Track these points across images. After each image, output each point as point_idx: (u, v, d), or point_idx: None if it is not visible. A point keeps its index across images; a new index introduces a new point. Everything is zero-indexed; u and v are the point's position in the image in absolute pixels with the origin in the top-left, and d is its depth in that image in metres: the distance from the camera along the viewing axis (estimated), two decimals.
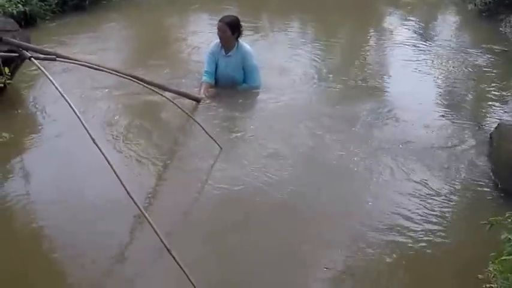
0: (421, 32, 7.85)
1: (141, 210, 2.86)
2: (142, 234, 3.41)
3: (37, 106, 5.03)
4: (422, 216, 3.67)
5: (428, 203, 3.81)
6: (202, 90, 5.36)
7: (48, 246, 3.40)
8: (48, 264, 3.26)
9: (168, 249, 2.71)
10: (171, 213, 3.63)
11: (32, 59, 3.64)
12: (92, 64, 4.21)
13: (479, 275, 2.92)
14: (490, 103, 5.50)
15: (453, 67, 6.36)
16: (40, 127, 4.74)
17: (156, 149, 4.47)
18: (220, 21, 5.34)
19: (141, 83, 4.39)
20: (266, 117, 5.06)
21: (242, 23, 5.43)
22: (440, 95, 5.66)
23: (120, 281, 3.17)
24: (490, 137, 4.58)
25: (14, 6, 6.57)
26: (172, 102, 4.48)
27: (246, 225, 3.60)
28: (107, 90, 5.29)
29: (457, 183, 4.06)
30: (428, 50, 6.96)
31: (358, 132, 4.76)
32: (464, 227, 3.62)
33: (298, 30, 7.98)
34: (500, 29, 7.71)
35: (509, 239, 2.79)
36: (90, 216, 3.64)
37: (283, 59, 6.49)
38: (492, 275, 2.90)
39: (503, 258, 2.79)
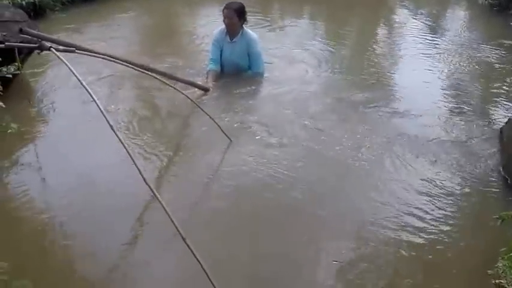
0: (431, 25, 7.83)
1: (157, 198, 2.84)
2: (154, 222, 3.44)
3: (45, 97, 5.04)
4: (430, 211, 3.64)
5: (437, 198, 3.78)
6: (209, 79, 5.38)
7: (60, 234, 3.40)
8: (60, 251, 3.27)
9: (183, 238, 2.69)
10: (181, 203, 3.62)
11: (52, 49, 3.65)
12: (111, 57, 4.21)
13: (488, 271, 2.90)
14: (501, 98, 5.46)
15: (463, 61, 6.34)
16: (48, 117, 4.74)
17: (165, 140, 4.47)
18: (226, 7, 5.35)
19: (153, 74, 4.37)
20: (275, 108, 5.05)
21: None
22: (449, 90, 5.62)
23: (133, 266, 3.18)
24: (501, 132, 4.55)
25: None
26: (185, 95, 4.46)
27: (255, 217, 3.58)
28: (117, 80, 5.31)
29: (466, 178, 4.02)
30: (438, 44, 6.93)
31: (367, 125, 4.73)
32: (474, 222, 3.59)
33: (308, 21, 8.00)
34: (511, 23, 7.65)
35: None
36: (102, 204, 3.66)
37: (293, 50, 6.53)
38: (502, 271, 2.89)
39: None
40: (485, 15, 8.18)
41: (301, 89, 5.43)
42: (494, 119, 4.94)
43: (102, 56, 4.13)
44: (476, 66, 6.22)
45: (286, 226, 3.50)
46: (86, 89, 3.18)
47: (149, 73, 4.32)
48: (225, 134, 4.31)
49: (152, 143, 4.36)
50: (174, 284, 3.10)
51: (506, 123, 4.54)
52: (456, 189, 3.89)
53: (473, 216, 3.64)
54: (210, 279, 2.59)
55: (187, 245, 2.66)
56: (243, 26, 5.46)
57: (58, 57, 3.55)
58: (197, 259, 2.62)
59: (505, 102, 5.34)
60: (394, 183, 3.93)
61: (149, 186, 2.91)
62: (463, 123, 4.84)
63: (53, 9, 7.36)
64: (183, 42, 6.89)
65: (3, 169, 4.09)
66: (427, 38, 7.21)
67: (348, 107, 5.08)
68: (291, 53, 6.42)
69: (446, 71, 6.09)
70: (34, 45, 3.74)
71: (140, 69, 4.31)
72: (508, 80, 5.84)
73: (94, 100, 3.10)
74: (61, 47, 3.73)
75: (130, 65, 4.27)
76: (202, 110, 4.39)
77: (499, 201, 3.75)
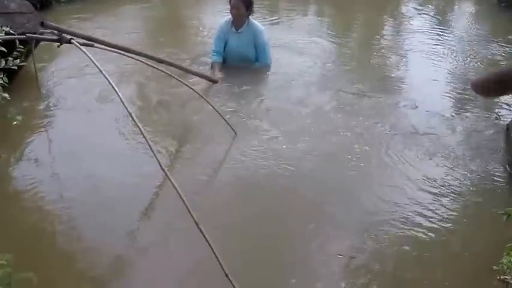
0: (438, 20, 7.81)
1: (173, 184, 2.86)
2: (164, 210, 3.48)
3: (51, 88, 5.04)
4: (435, 207, 3.63)
5: (442, 194, 3.77)
6: (216, 71, 5.39)
7: (66, 225, 3.40)
8: (66, 242, 3.27)
9: (196, 223, 2.71)
10: (188, 194, 3.62)
11: (73, 41, 3.68)
12: (128, 51, 4.22)
13: (493, 267, 2.88)
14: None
15: (470, 57, 6.31)
16: (54, 109, 4.73)
17: (170, 132, 4.46)
18: None
19: (158, 66, 4.37)
20: (280, 100, 5.05)
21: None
22: (456, 85, 5.60)
23: (144, 250, 3.20)
24: (507, 129, 4.53)
25: None
26: (192, 89, 4.46)
27: (262, 208, 3.58)
28: (125, 71, 5.30)
29: (472, 174, 4.01)
30: (445, 39, 6.90)
31: (373, 120, 4.71)
32: (479, 218, 3.58)
33: (315, 15, 7.99)
34: None
35: None
36: (110, 194, 3.68)
37: (300, 43, 6.53)
38: (507, 267, 2.88)
39: None
40: (493, 10, 8.14)
41: (307, 82, 5.42)
42: (501, 115, 4.91)
43: (119, 51, 4.14)
44: (484, 62, 6.18)
45: (292, 218, 3.49)
46: (107, 78, 3.24)
47: (159, 67, 4.34)
48: (230, 126, 4.31)
49: (158, 134, 4.35)
50: (185, 270, 3.10)
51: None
52: (461, 185, 3.88)
53: (478, 212, 3.62)
54: (220, 264, 2.61)
55: (201, 231, 2.68)
56: (250, 17, 5.46)
57: (80, 49, 3.60)
58: (210, 245, 2.64)
59: (511, 99, 5.29)
60: (399, 179, 3.91)
61: (165, 172, 2.96)
62: (469, 119, 4.82)
63: (58, 1, 7.34)
64: (189, 34, 6.90)
65: (9, 161, 4.09)
66: (434, 33, 7.18)
67: (354, 101, 5.07)
68: (298, 46, 6.41)
69: (452, 66, 6.07)
70: (55, 37, 3.74)
71: (154, 63, 4.33)
72: None
73: (114, 88, 3.18)
74: (80, 40, 3.73)
75: (146, 59, 4.29)
76: (209, 103, 4.39)
77: (504, 197, 3.73)
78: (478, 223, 3.53)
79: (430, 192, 3.76)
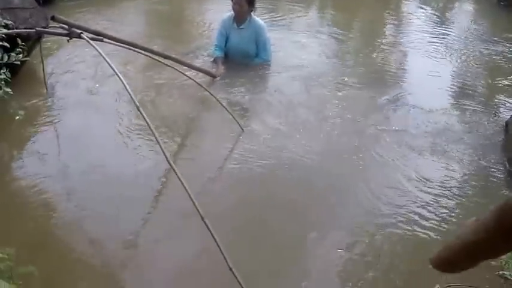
0: (438, 19, 7.83)
1: (178, 177, 2.88)
2: (169, 203, 3.53)
3: (53, 84, 5.04)
4: (434, 202, 3.68)
5: (441, 190, 3.81)
6: (219, 66, 5.43)
7: (68, 219, 3.43)
8: (69, 236, 3.30)
9: (202, 217, 2.74)
10: (195, 189, 3.65)
11: (82, 35, 3.72)
12: (136, 46, 4.27)
13: (492, 262, 2.94)
14: (506, 92, 5.46)
15: (470, 55, 6.34)
16: (57, 104, 4.75)
17: (176, 127, 4.49)
18: None
19: (163, 61, 4.43)
20: (284, 96, 5.08)
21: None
22: (456, 82, 5.64)
23: (150, 242, 3.24)
24: (506, 125, 4.57)
25: None
26: (199, 84, 4.52)
27: (265, 206, 3.61)
28: (130, 67, 5.33)
29: (471, 170, 4.06)
30: (445, 37, 6.93)
31: (373, 116, 4.77)
32: (479, 213, 3.52)
33: (317, 11, 8.02)
34: None
35: None
36: (117, 185, 3.73)
37: (303, 39, 6.56)
38: (505, 263, 2.93)
39: None
40: (492, 9, 8.17)
41: (309, 78, 5.44)
42: (500, 112, 4.96)
43: (127, 46, 4.18)
44: (483, 60, 6.22)
45: (295, 210, 3.54)
46: (115, 71, 3.30)
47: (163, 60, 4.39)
48: (237, 122, 4.35)
49: (163, 129, 4.36)
50: (189, 262, 3.15)
51: (511, 116, 4.56)
52: (461, 181, 3.92)
53: (478, 208, 3.65)
54: (225, 258, 2.63)
55: (206, 224, 2.71)
56: (251, 13, 5.49)
57: (89, 43, 3.63)
58: (214, 238, 2.67)
59: (510, 96, 5.35)
60: (399, 175, 3.95)
61: (171, 165, 2.97)
62: (468, 116, 4.86)
63: None
64: (192, 28, 6.92)
65: (11, 155, 4.13)
66: (435, 30, 7.21)
67: (354, 97, 5.11)
68: (301, 42, 6.45)
69: (452, 64, 6.10)
70: (64, 31, 3.78)
71: (160, 58, 4.38)
72: None
73: (122, 81, 3.24)
74: (89, 35, 3.77)
75: (152, 55, 4.36)
76: (217, 99, 4.42)
77: (503, 193, 3.78)
78: None
79: (428, 189, 3.80)
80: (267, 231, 3.36)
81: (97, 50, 3.51)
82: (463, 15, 8.18)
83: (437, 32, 7.13)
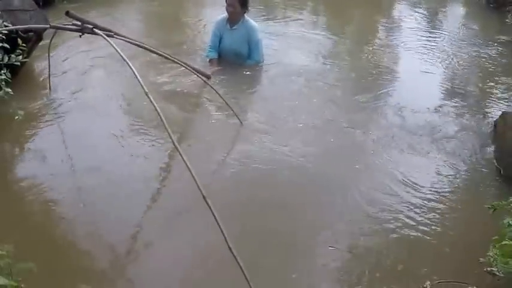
0: (429, 21, 7.92)
1: (185, 163, 2.89)
2: (168, 198, 3.64)
3: (54, 83, 5.07)
4: (426, 200, 3.76)
5: (432, 187, 3.90)
6: (214, 66, 5.55)
7: (68, 215, 3.48)
8: (68, 232, 3.36)
9: (204, 196, 2.75)
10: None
11: (95, 30, 3.80)
12: (144, 44, 4.38)
13: (480, 259, 3.00)
14: (495, 92, 5.56)
15: (460, 56, 6.42)
16: (55, 104, 4.78)
17: (178, 120, 4.57)
18: None
19: (161, 53, 4.53)
20: (277, 96, 5.18)
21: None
22: (446, 84, 5.72)
23: (150, 238, 3.30)
24: (495, 125, 4.66)
25: None
26: (205, 81, 4.65)
27: (262, 198, 3.70)
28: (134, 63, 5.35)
29: (461, 169, 4.14)
30: (436, 39, 7.01)
31: (366, 115, 4.86)
32: (468, 212, 3.69)
33: (310, 14, 8.08)
34: (507, 20, 7.79)
35: (510, 223, 2.86)
36: (118, 181, 3.80)
37: (296, 41, 6.65)
38: (493, 259, 2.97)
39: (503, 243, 2.85)
40: (482, 11, 8.27)
41: (303, 79, 5.54)
42: (489, 113, 5.05)
43: (136, 43, 4.27)
44: (473, 62, 6.30)
45: (288, 211, 3.61)
46: (129, 66, 3.36)
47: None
48: (237, 117, 4.46)
49: (157, 126, 4.36)
50: (189, 256, 3.22)
51: (500, 116, 4.64)
52: (451, 180, 4.01)
53: (467, 206, 3.74)
54: (225, 238, 2.65)
55: (208, 205, 2.70)
56: (245, 14, 5.59)
57: (104, 37, 3.71)
58: (216, 219, 2.68)
59: (499, 97, 5.44)
60: (390, 175, 4.03)
61: (178, 149, 2.98)
62: (459, 116, 4.95)
63: None
64: (188, 28, 6.99)
65: (11, 154, 4.18)
66: (426, 33, 7.29)
67: (347, 97, 5.22)
68: (295, 43, 6.55)
69: (443, 65, 6.18)
70: (77, 27, 3.84)
71: (162, 55, 4.50)
72: (503, 75, 5.94)
73: (134, 72, 3.32)
74: (101, 32, 3.84)
75: (156, 52, 4.47)
76: (218, 93, 4.52)
77: (492, 192, 3.87)
78: (466, 217, 3.65)
79: (420, 188, 3.88)
80: (267, 223, 3.45)
81: (109, 42, 3.58)
82: (454, 17, 8.27)
83: (428, 34, 7.21)
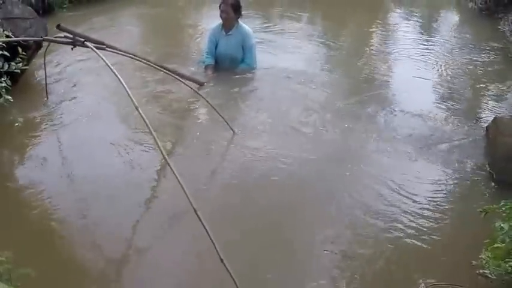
0: (423, 28, 8.02)
1: (175, 175, 2.98)
2: (164, 204, 3.67)
3: (52, 91, 5.11)
4: (419, 204, 3.81)
5: (426, 191, 3.95)
6: (209, 72, 5.64)
7: (64, 222, 3.52)
8: (65, 239, 3.40)
9: (195, 210, 2.83)
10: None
11: (87, 43, 3.85)
12: (134, 55, 4.43)
13: (473, 261, 3.07)
14: (487, 98, 5.65)
15: (453, 63, 6.49)
16: (54, 112, 4.83)
17: (169, 131, 4.62)
18: (223, 2, 5.61)
19: (157, 66, 4.58)
20: (274, 102, 5.23)
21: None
22: (439, 89, 5.79)
23: (147, 244, 3.35)
24: (487, 130, 4.72)
25: None
26: (194, 90, 4.68)
27: (256, 206, 3.74)
28: (125, 73, 5.35)
29: (454, 173, 4.19)
30: (430, 46, 7.10)
31: (359, 121, 4.91)
32: (461, 215, 3.74)
33: (306, 21, 8.18)
34: (499, 27, 7.86)
35: (502, 227, 2.91)
36: (114, 188, 3.85)
37: (292, 47, 6.74)
38: (485, 262, 3.03)
39: (495, 245, 2.92)
40: (474, 19, 8.36)
41: (299, 84, 5.61)
42: (481, 118, 5.11)
43: (128, 55, 4.33)
44: (466, 68, 6.38)
45: (285, 213, 3.67)
46: (119, 79, 3.41)
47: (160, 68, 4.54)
48: (229, 125, 4.49)
49: (157, 132, 4.42)
50: (185, 260, 3.27)
51: (492, 121, 4.70)
52: (444, 185, 4.06)
53: (460, 210, 3.79)
54: (216, 250, 2.72)
55: (198, 216, 2.79)
56: (238, 20, 5.70)
57: (93, 50, 3.76)
58: (207, 231, 2.76)
59: (491, 102, 5.53)
60: (382, 180, 4.07)
61: (168, 162, 3.08)
62: (451, 121, 5.00)
63: (61, 7, 7.48)
64: (183, 37, 7.07)
65: (11, 161, 4.22)
66: (420, 40, 7.38)
67: (342, 103, 5.26)
68: (291, 50, 6.64)
69: (437, 71, 6.26)
70: (69, 40, 3.90)
71: (155, 66, 4.56)
72: (495, 80, 6.03)
73: (124, 86, 3.36)
74: (92, 44, 3.90)
75: (148, 62, 4.53)
76: (209, 103, 4.55)
77: (484, 196, 3.92)
78: (459, 220, 3.70)
79: (412, 192, 3.93)
80: (259, 231, 3.48)
81: (99, 56, 3.64)
82: (447, 24, 8.36)
83: (422, 41, 7.30)
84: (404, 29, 7.96)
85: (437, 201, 3.87)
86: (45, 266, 3.09)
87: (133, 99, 3.26)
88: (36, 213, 3.59)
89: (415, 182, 4.07)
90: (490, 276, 3.01)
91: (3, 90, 4.01)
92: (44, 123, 4.64)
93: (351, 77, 5.95)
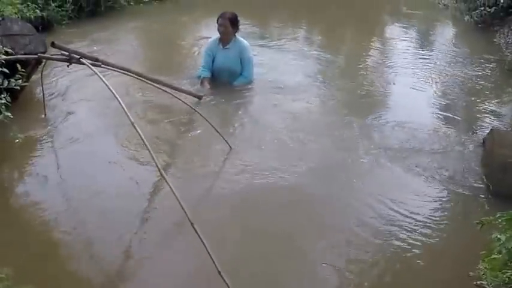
0: (420, 41, 8.11)
1: (171, 188, 3.02)
2: (161, 216, 3.69)
3: (51, 108, 5.15)
4: (416, 215, 3.83)
5: (422, 204, 3.98)
6: (205, 85, 5.68)
7: (63, 238, 3.53)
8: (64, 256, 3.42)
9: (191, 223, 2.87)
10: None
11: (82, 60, 3.90)
12: (129, 71, 4.48)
13: (470, 273, 3.04)
14: (484, 110, 5.68)
15: (450, 75, 6.56)
16: (54, 128, 4.86)
17: (165, 147, 4.63)
18: (221, 17, 5.67)
19: (155, 84, 4.63)
20: (271, 115, 5.27)
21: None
22: (436, 102, 5.85)
23: (142, 259, 3.37)
24: (483, 142, 4.77)
25: (32, 11, 6.78)
26: (188, 105, 4.72)
27: (254, 221, 3.76)
28: (121, 88, 5.38)
29: (451, 185, 4.22)
30: (427, 58, 7.17)
31: (359, 134, 4.95)
32: (458, 226, 3.77)
33: (304, 35, 8.25)
34: (495, 39, 7.95)
35: (499, 238, 2.92)
36: (113, 203, 3.87)
37: (290, 61, 6.81)
38: (482, 273, 3.02)
39: (492, 257, 2.90)
40: (470, 32, 8.43)
41: (296, 98, 5.65)
42: (478, 130, 5.16)
43: (123, 71, 4.38)
44: (462, 80, 6.44)
45: (283, 229, 3.68)
46: (112, 92, 3.47)
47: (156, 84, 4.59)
48: (225, 140, 4.51)
49: (153, 147, 4.45)
50: (181, 269, 3.30)
51: (488, 133, 4.76)
52: (441, 196, 4.10)
53: (457, 222, 3.83)
54: (214, 262, 2.76)
55: (195, 230, 2.83)
56: (236, 34, 5.76)
57: (89, 67, 3.83)
58: (204, 245, 2.80)
59: (488, 114, 5.57)
60: (381, 190, 4.12)
61: (164, 177, 3.13)
62: (448, 133, 5.05)
63: (60, 24, 7.53)
64: (180, 51, 7.13)
65: (11, 177, 4.23)
66: (417, 52, 7.47)
67: (340, 116, 5.32)
68: (288, 64, 6.70)
69: (433, 84, 6.31)
70: (65, 57, 3.95)
71: (151, 83, 4.61)
72: (491, 92, 6.10)
73: (120, 102, 3.44)
74: (88, 61, 3.95)
75: (144, 79, 4.59)
76: (205, 118, 4.57)
77: (481, 207, 3.95)
78: (456, 231, 3.73)
79: (409, 203, 3.97)
80: (256, 246, 3.50)
81: (95, 72, 3.69)
82: (443, 38, 8.44)
83: (419, 54, 7.38)
84: (401, 42, 8.05)
85: (434, 213, 3.90)
86: (45, 283, 3.11)
87: (129, 115, 3.31)
88: (35, 230, 3.61)
89: (411, 194, 4.10)
90: (487, 287, 2.98)
91: (3, 107, 4.02)
92: (44, 140, 4.66)
93: (347, 90, 6.00)
